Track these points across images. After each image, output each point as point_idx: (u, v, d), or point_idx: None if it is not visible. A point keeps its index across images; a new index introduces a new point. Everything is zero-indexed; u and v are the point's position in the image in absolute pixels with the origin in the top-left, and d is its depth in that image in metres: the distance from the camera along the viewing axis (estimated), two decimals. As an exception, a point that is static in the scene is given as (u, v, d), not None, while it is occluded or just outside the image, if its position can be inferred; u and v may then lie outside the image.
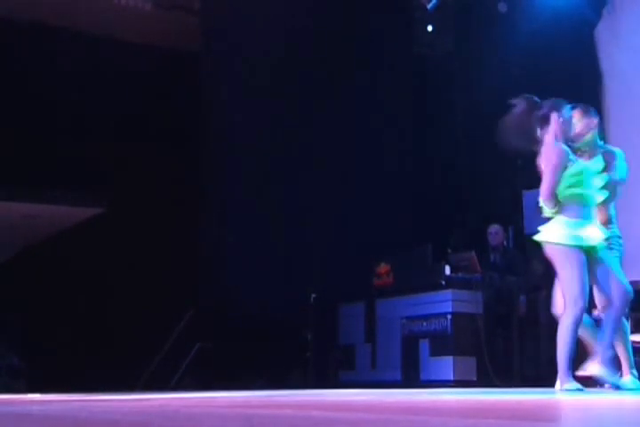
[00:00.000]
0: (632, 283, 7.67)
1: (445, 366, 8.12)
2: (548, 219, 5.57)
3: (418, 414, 3.14)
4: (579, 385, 5.39)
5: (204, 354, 9.95)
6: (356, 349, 9.38)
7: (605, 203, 5.78)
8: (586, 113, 5.80)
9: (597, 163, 5.70)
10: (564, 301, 5.42)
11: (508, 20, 9.72)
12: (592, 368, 5.41)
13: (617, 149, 5.87)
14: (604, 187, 5.69)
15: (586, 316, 5.59)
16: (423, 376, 8.42)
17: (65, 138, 10.69)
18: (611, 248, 5.76)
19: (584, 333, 5.59)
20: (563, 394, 5.22)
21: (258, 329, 9.66)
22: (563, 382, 5.39)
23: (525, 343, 8.36)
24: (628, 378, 5.68)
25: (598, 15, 9.24)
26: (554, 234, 5.45)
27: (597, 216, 5.70)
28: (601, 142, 5.86)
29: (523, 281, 8.51)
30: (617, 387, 5.47)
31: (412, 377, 8.50)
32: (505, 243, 8.89)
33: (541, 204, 5.45)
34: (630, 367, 5.70)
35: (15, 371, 9.64)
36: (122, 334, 10.28)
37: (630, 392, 5.40)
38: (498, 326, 8.37)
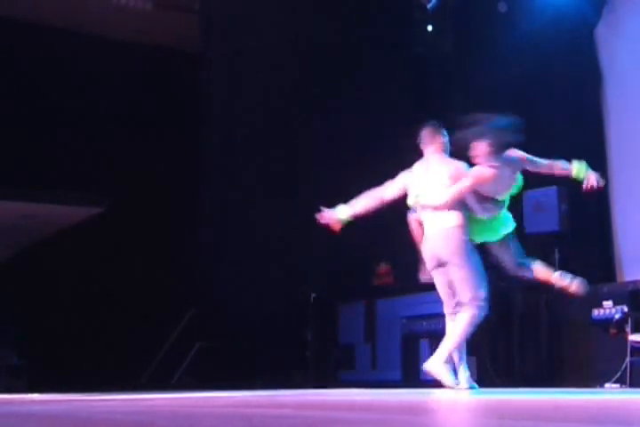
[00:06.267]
0: (632, 282, 7.70)
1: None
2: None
3: (418, 414, 3.14)
4: None
5: (203, 354, 9.95)
6: (356, 348, 9.38)
7: None
8: None
9: None
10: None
11: (507, 20, 9.71)
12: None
13: None
14: None
15: None
16: (423, 376, 8.41)
17: (65, 138, 10.69)
18: None
19: None
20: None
21: (258, 329, 9.66)
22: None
23: (526, 343, 8.36)
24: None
25: (598, 15, 9.23)
26: None
27: None
28: None
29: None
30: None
31: (411, 377, 8.50)
32: None
33: None
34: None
35: (16, 371, 9.64)
36: (122, 334, 10.29)
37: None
38: (498, 326, 8.37)
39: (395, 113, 10.74)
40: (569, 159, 9.37)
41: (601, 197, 9.00)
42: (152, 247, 10.79)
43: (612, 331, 7.10)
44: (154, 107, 11.12)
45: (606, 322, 7.21)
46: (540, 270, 6.00)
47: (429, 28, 10.48)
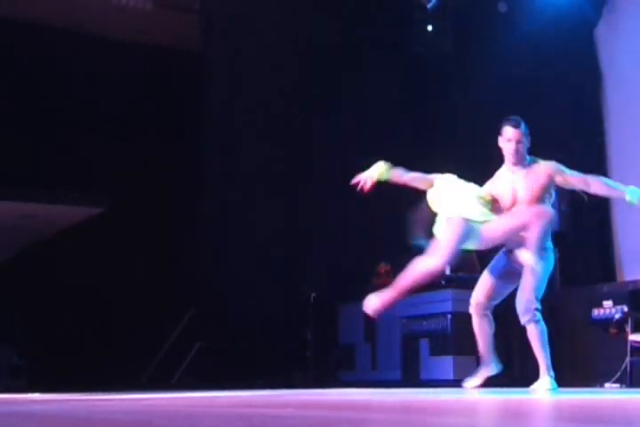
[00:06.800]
0: (632, 282, 7.70)
1: (445, 365, 8.12)
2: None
3: (417, 414, 3.14)
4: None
5: (203, 354, 9.95)
6: (356, 348, 9.37)
7: None
8: None
9: None
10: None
11: (507, 20, 9.71)
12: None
13: None
14: None
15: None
16: (423, 376, 8.42)
17: (65, 138, 10.69)
18: None
19: None
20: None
21: (258, 329, 9.67)
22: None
23: (525, 343, 8.35)
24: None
25: (598, 15, 9.23)
26: None
27: None
28: None
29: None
30: None
31: (412, 377, 8.50)
32: None
33: None
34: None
35: (16, 371, 9.64)
36: (122, 334, 10.29)
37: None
38: (497, 325, 8.36)
39: (395, 113, 10.75)
40: (569, 159, 9.37)
41: (601, 198, 9.00)
42: (152, 247, 10.78)
43: (612, 331, 7.10)
44: (154, 107, 11.12)
45: (606, 322, 7.21)
46: None
47: (429, 28, 10.48)
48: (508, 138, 5.74)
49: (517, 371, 8.26)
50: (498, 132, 5.85)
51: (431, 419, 2.83)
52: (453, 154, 10.71)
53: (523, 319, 5.77)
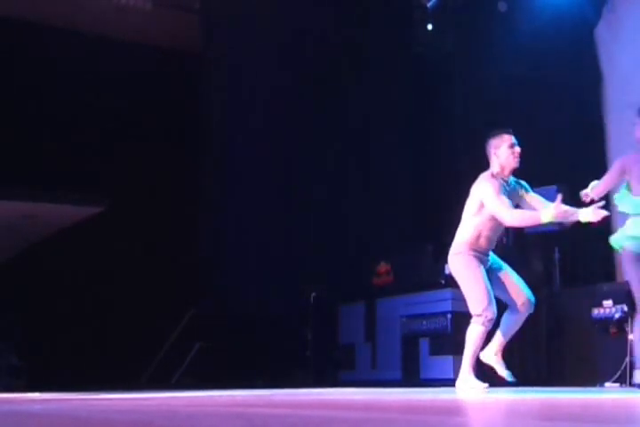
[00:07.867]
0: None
1: (445, 365, 8.11)
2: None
3: (418, 414, 3.15)
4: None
5: (203, 354, 9.95)
6: (356, 348, 9.37)
7: None
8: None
9: None
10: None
11: (507, 20, 9.72)
12: None
13: None
14: None
15: None
16: (423, 375, 8.42)
17: (65, 137, 10.70)
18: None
19: None
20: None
21: (258, 329, 9.67)
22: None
23: (525, 342, 8.35)
24: None
25: (598, 15, 9.24)
26: None
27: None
28: None
29: None
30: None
31: (412, 376, 8.50)
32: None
33: None
34: None
35: (15, 370, 9.64)
36: (122, 334, 10.29)
37: None
38: (497, 325, 8.36)
39: (395, 113, 10.76)
40: (569, 159, 9.38)
41: (601, 196, 9.00)
42: (152, 247, 10.79)
43: (612, 330, 7.10)
44: (154, 107, 11.13)
45: (606, 321, 7.21)
46: None
47: (429, 27, 10.48)
48: None
49: (518, 371, 8.25)
50: None
51: (431, 419, 2.83)
52: (453, 153, 10.72)
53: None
